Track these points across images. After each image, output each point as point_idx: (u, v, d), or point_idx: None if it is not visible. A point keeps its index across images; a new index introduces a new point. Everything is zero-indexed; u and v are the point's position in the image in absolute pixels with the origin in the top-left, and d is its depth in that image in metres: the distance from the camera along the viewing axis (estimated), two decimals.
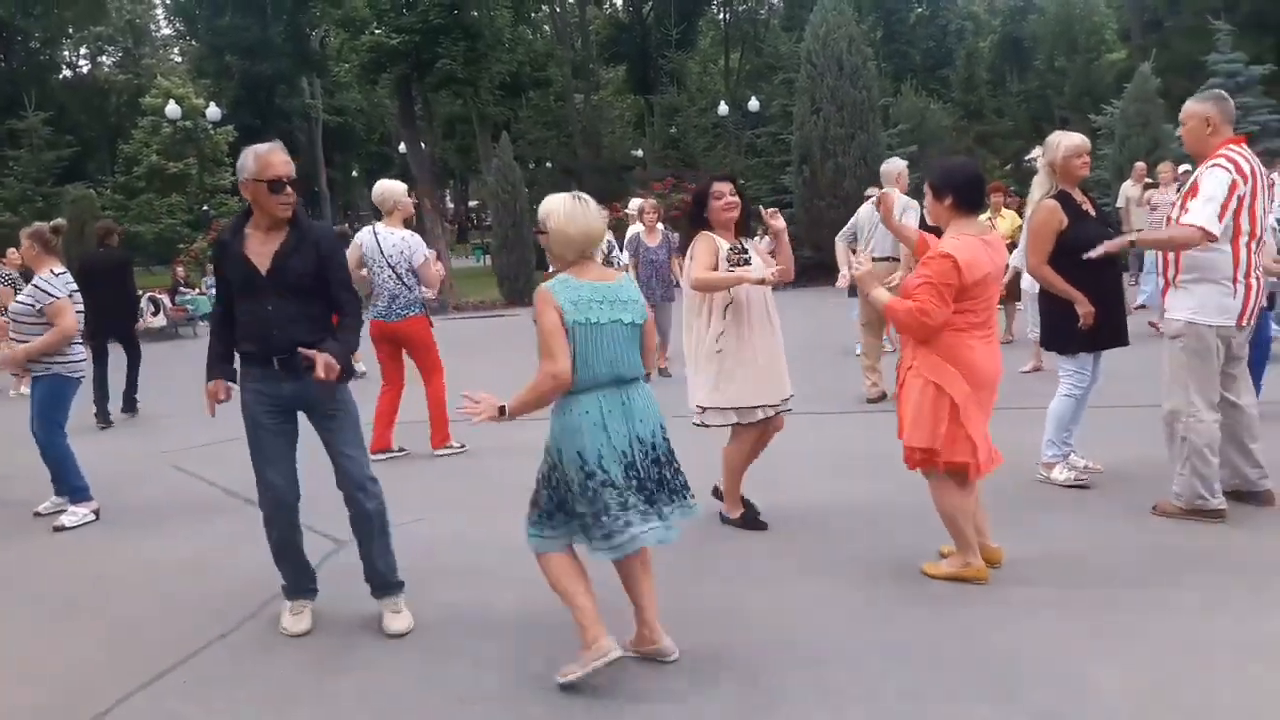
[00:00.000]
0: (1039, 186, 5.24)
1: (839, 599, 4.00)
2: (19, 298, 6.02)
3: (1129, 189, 13.51)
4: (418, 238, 7.00)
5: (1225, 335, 4.60)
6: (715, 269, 4.66)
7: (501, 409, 3.24)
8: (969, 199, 3.98)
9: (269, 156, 3.68)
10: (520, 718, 3.19)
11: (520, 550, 3.58)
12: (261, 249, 3.75)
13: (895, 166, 8.23)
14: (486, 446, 7.01)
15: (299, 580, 4.09)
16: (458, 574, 4.55)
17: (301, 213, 3.85)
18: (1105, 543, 4.47)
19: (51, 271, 5.93)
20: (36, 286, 5.84)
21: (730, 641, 3.62)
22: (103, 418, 9.31)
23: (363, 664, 3.68)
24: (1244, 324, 4.64)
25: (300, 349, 3.66)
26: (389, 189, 6.98)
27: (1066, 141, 5.16)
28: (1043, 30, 42.54)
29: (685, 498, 3.43)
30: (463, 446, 7.03)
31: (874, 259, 7.83)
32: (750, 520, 5.00)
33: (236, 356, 3.94)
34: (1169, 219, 4.76)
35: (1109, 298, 5.13)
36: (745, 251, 4.76)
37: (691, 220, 4.87)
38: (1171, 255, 4.70)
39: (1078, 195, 5.18)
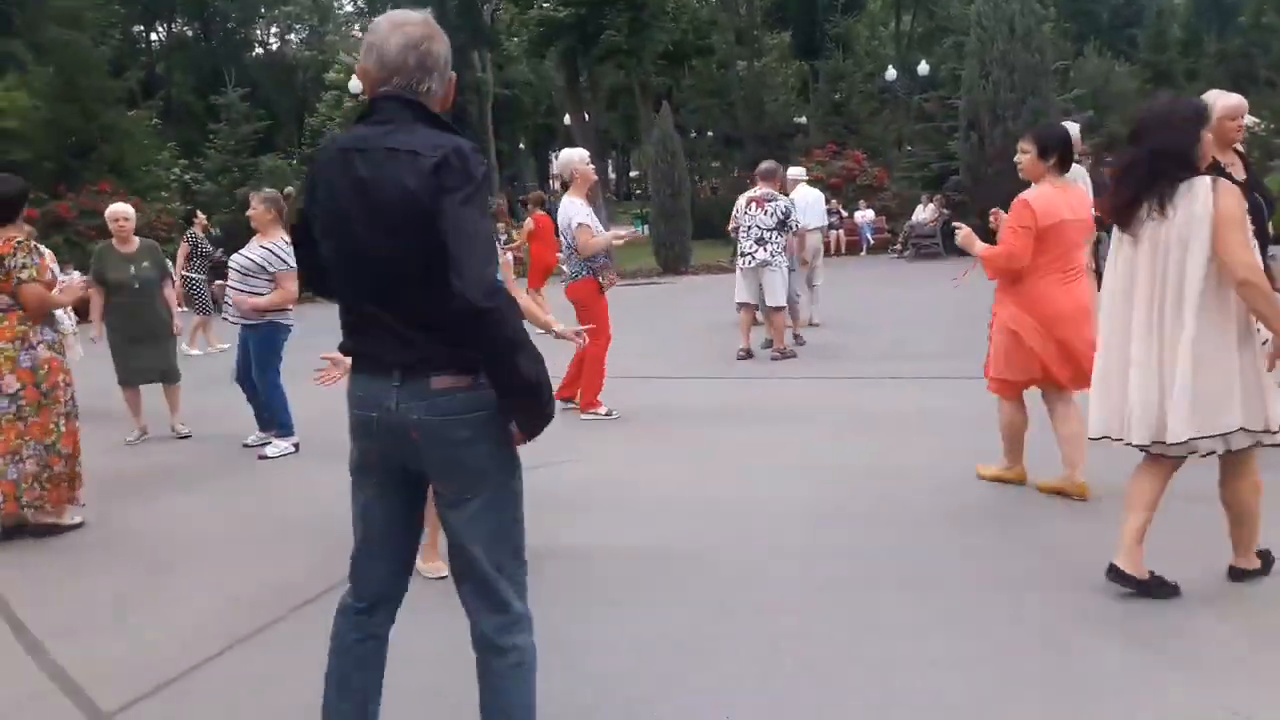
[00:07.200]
0: None
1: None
2: (248, 253, 6.47)
3: None
4: (573, 205, 7.09)
5: None
6: None
7: None
8: (1067, 158, 4.76)
9: None
10: None
11: None
12: None
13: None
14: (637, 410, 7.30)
15: None
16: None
17: None
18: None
19: (284, 239, 6.38)
20: (270, 250, 6.39)
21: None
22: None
23: None
24: None
25: None
26: (563, 158, 7.29)
27: (1224, 101, 4.87)
28: None
29: None
30: (610, 413, 7.11)
31: None
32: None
33: None
34: None
35: None
36: None
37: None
38: None
39: (1226, 158, 4.98)
